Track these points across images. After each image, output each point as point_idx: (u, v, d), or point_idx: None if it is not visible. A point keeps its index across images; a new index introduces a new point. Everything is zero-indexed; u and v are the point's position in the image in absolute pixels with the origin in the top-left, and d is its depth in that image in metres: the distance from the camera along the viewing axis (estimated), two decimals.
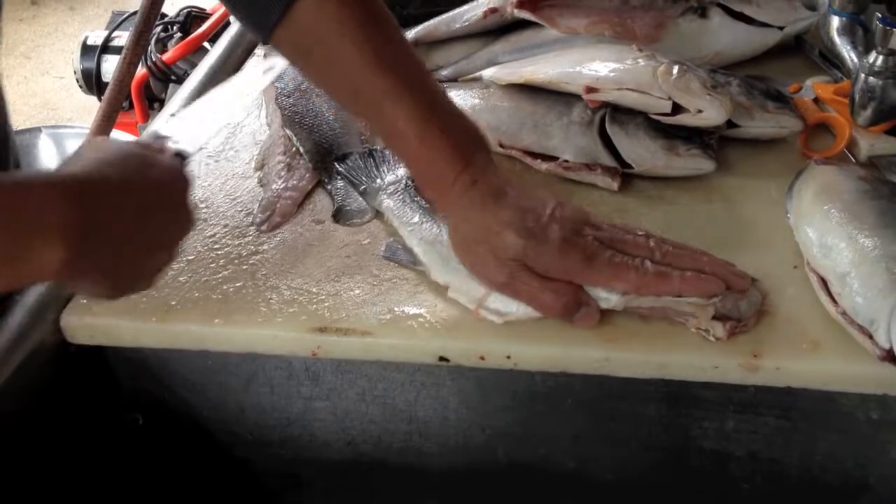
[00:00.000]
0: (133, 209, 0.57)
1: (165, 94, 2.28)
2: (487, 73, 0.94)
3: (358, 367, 0.78)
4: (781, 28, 0.99)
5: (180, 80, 2.19)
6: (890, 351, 0.61)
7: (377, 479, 0.85)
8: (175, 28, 2.33)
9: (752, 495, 0.80)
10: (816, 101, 0.90)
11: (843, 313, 0.66)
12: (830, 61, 0.95)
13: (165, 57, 2.23)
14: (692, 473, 0.79)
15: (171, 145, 0.65)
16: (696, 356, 0.68)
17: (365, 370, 0.79)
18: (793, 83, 0.93)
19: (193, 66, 2.19)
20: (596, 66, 0.85)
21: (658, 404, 0.76)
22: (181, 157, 0.65)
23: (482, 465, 0.82)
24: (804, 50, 1.01)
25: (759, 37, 0.99)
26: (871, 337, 0.63)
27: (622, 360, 0.68)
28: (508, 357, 0.70)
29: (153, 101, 2.31)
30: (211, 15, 2.33)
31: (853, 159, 0.85)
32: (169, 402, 0.83)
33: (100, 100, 1.45)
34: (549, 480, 0.82)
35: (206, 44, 2.26)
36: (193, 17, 2.35)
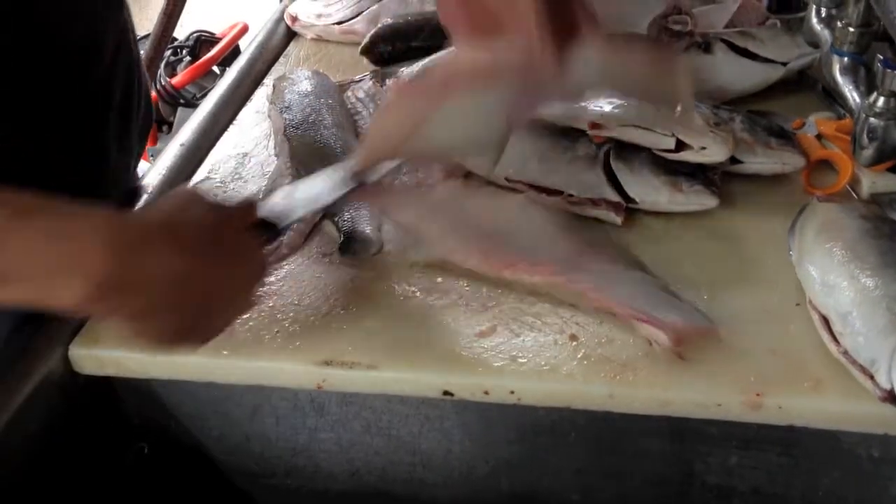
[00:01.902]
0: (183, 274, 0.56)
1: (174, 116, 2.30)
2: None
3: (363, 399, 0.79)
4: (784, 64, 1.00)
5: (189, 104, 2.21)
6: (891, 391, 0.62)
7: None
8: (184, 52, 2.36)
9: None
10: (819, 137, 0.91)
11: (845, 353, 0.66)
12: (833, 97, 0.95)
13: (175, 80, 2.26)
14: None
15: (263, 212, 0.65)
16: (699, 393, 0.68)
17: (370, 402, 0.79)
18: (796, 119, 0.94)
19: (202, 89, 2.22)
20: (600, 101, 0.86)
21: (662, 439, 0.77)
22: (270, 228, 0.65)
23: (486, 497, 0.83)
24: (808, 85, 1.02)
25: (763, 72, 1.00)
26: (872, 377, 0.64)
27: (626, 397, 0.69)
28: (512, 392, 0.70)
29: (162, 124, 2.33)
30: (220, 39, 2.36)
31: (855, 196, 0.86)
32: (175, 431, 0.84)
33: None
34: None
35: (215, 68, 2.29)
36: (203, 42, 2.38)
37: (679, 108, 0.73)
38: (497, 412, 0.77)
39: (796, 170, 0.87)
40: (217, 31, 2.43)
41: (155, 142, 2.27)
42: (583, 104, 0.87)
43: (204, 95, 1.13)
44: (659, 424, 0.75)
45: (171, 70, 2.31)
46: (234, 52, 2.25)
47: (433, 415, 0.79)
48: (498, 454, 0.81)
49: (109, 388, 0.80)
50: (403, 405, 0.79)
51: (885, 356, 0.62)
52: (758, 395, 0.67)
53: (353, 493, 0.84)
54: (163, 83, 2.22)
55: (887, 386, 0.62)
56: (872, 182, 0.84)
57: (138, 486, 0.84)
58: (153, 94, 2.21)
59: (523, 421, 0.78)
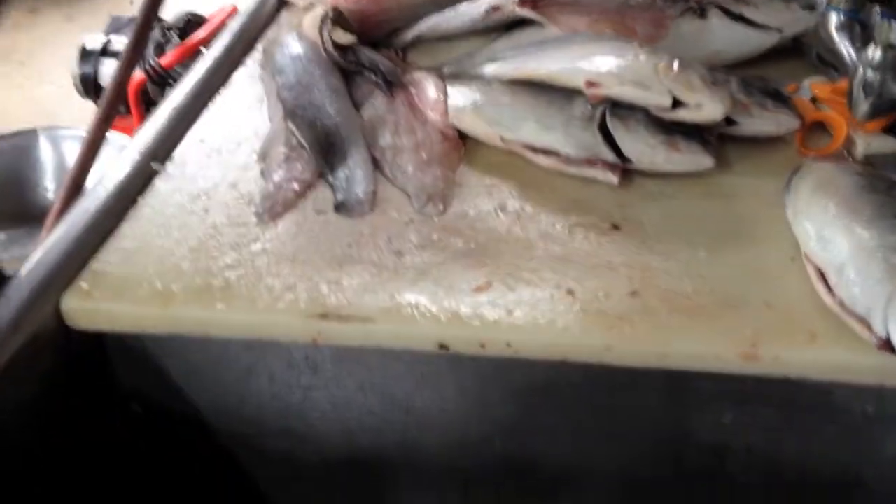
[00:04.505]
0: None
1: (162, 98, 2.28)
2: (489, 69, 0.95)
3: (357, 356, 0.78)
4: (779, 30, 1.00)
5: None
6: (887, 339, 0.62)
7: (375, 470, 0.85)
8: (173, 33, 2.34)
9: (747, 488, 0.80)
10: (814, 100, 0.91)
11: (841, 303, 0.66)
12: (828, 63, 0.96)
13: (163, 61, 2.24)
14: (690, 465, 0.80)
15: None
16: (696, 346, 0.68)
17: (364, 360, 0.79)
18: (790, 84, 0.94)
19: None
20: (597, 61, 0.86)
21: (657, 397, 0.77)
22: None
23: (480, 456, 0.82)
24: (802, 52, 1.02)
25: (757, 38, 1.00)
26: (868, 326, 0.64)
27: (623, 350, 0.69)
28: (508, 345, 0.70)
29: (150, 106, 2.31)
30: (209, 20, 2.34)
31: (850, 158, 0.86)
32: (168, 391, 0.83)
33: (97, 104, 1.45)
34: (546, 472, 0.82)
35: (203, 49, 2.27)
36: (191, 23, 2.36)
37: None
38: (492, 370, 0.77)
39: (791, 131, 0.87)
40: (206, 12, 2.41)
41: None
42: (578, 64, 0.87)
43: None
44: (654, 381, 0.75)
45: (160, 51, 2.29)
46: None
47: (428, 372, 0.79)
48: (492, 413, 0.81)
49: (102, 347, 0.79)
50: (398, 362, 0.78)
51: (881, 304, 0.63)
52: (754, 346, 0.67)
53: (346, 452, 0.84)
54: (151, 63, 2.20)
55: (883, 333, 0.62)
56: (868, 143, 0.84)
57: (129, 446, 0.84)
58: (141, 75, 2.19)
59: (518, 379, 0.78)
